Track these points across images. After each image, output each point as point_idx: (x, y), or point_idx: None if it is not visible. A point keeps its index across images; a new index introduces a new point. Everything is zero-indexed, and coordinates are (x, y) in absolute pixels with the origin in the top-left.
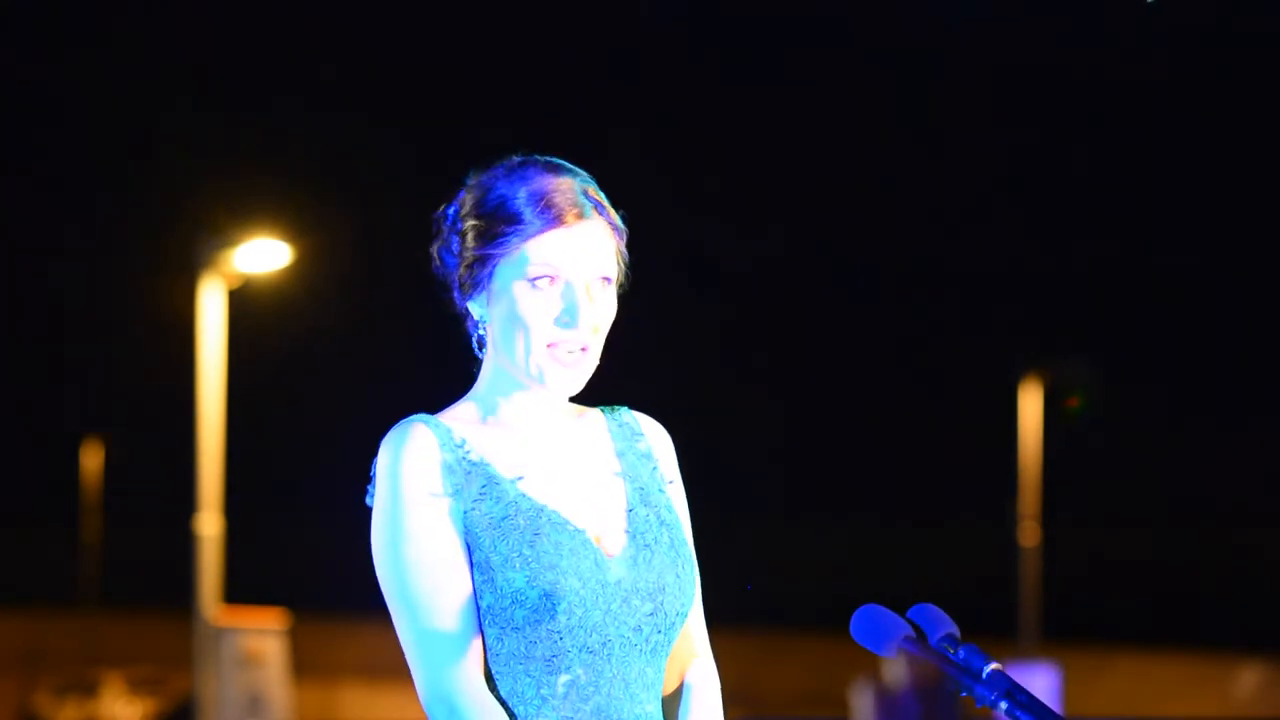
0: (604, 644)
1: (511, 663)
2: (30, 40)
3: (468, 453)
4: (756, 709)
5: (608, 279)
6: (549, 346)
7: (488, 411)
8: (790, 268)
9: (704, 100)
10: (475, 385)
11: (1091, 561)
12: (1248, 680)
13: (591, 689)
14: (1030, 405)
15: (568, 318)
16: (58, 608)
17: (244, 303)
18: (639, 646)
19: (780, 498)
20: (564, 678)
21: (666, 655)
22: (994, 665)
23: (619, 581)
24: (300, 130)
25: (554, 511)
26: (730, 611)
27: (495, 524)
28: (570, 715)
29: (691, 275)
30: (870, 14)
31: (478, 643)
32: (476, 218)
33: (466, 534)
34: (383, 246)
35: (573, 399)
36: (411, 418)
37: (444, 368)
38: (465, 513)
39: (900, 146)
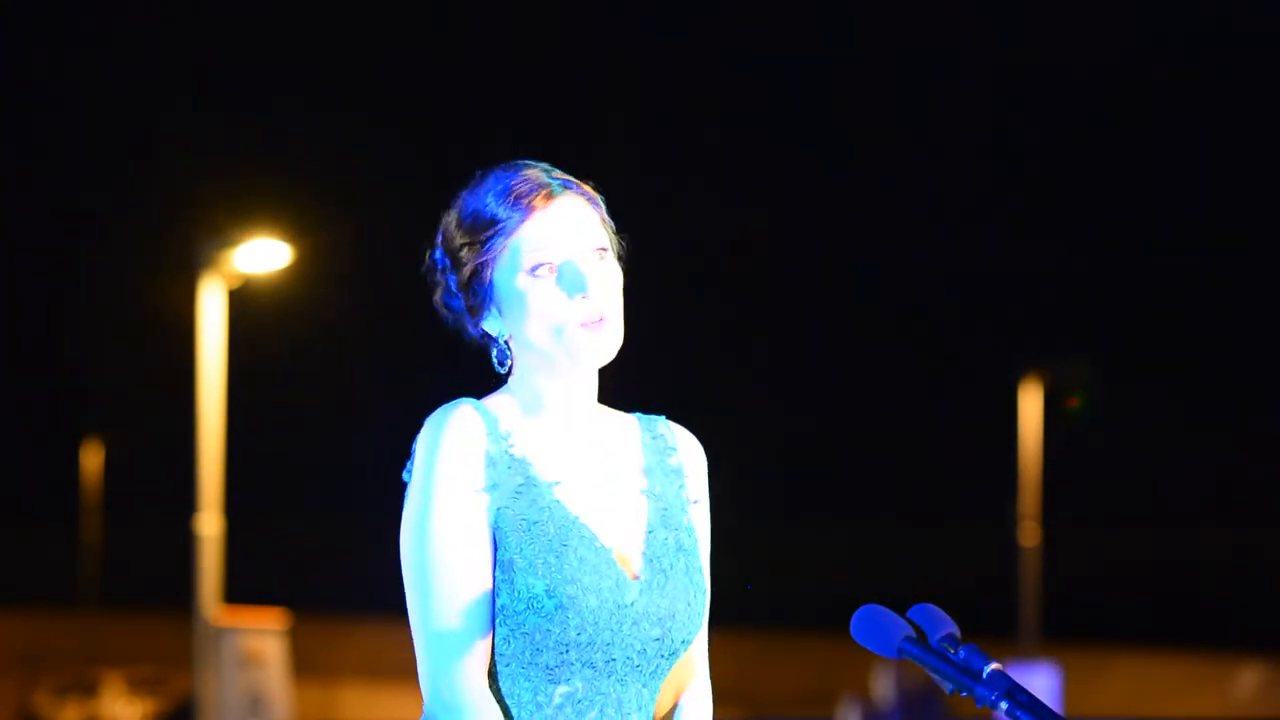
0: (607, 662)
1: (514, 665)
2: (30, 40)
3: (511, 446)
4: (756, 709)
5: (602, 249)
6: (577, 324)
7: (527, 406)
8: (790, 266)
9: (697, 97)
10: (509, 383)
11: (1091, 561)
12: (1248, 680)
13: (586, 704)
14: (1030, 405)
15: (579, 289)
16: (58, 608)
17: (244, 303)
18: (641, 668)
19: (780, 498)
20: (562, 689)
21: (665, 675)
22: (994, 665)
23: (633, 604)
24: (300, 130)
25: (585, 525)
26: (730, 611)
27: (526, 526)
28: None
29: (690, 273)
30: (870, 14)
31: (487, 641)
32: (458, 241)
33: (495, 530)
34: (383, 246)
35: (609, 403)
36: (459, 400)
37: (444, 367)
38: (499, 509)
39: (900, 146)
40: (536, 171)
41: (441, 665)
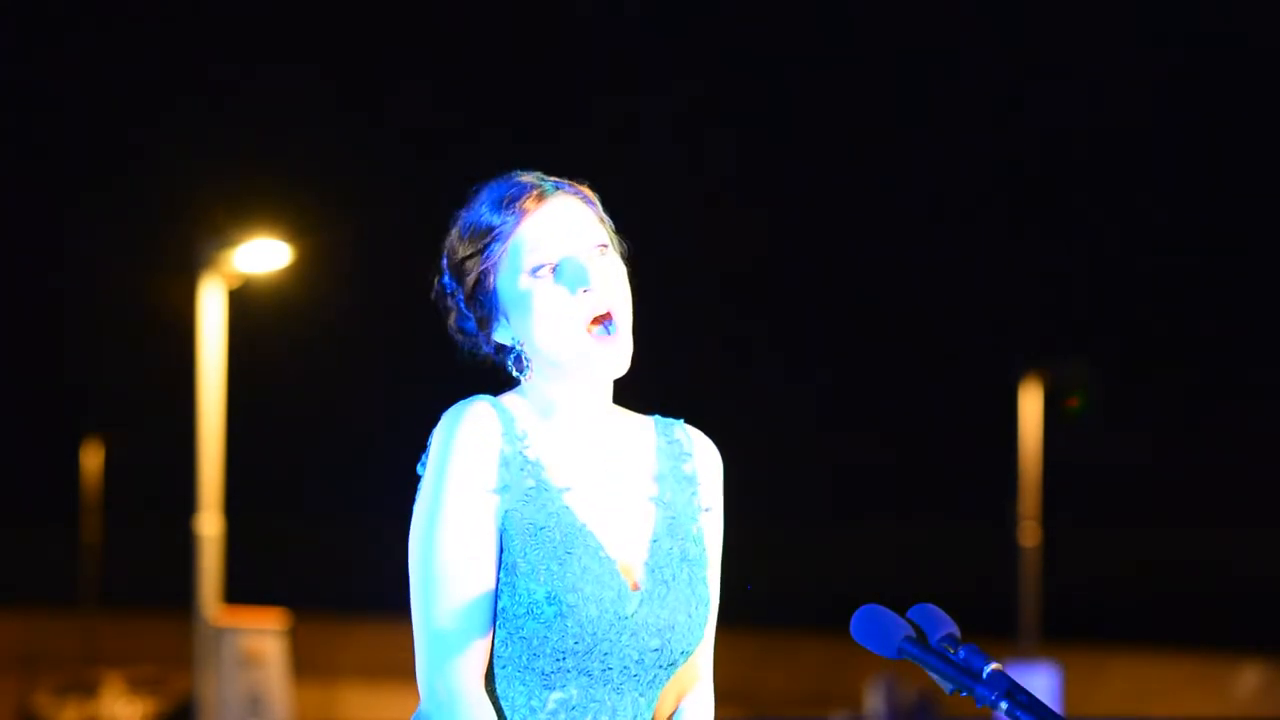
0: (604, 671)
1: (510, 667)
2: (31, 40)
3: (526, 447)
4: (756, 709)
5: (602, 245)
6: (584, 325)
7: (540, 409)
8: (790, 266)
9: (697, 97)
10: (522, 384)
11: (1091, 561)
12: (1248, 680)
13: (580, 711)
14: (1030, 405)
15: (581, 283)
16: (58, 608)
17: (244, 303)
18: (638, 677)
19: (780, 498)
20: (557, 695)
21: (664, 684)
22: (994, 665)
23: (633, 615)
24: (300, 130)
25: (591, 534)
26: (730, 611)
27: (533, 531)
28: None
29: (690, 274)
30: (870, 13)
31: (485, 643)
32: (460, 255)
33: (502, 532)
34: (383, 246)
35: (624, 402)
36: (477, 397)
37: (444, 368)
38: (507, 511)
39: (901, 146)
40: (528, 177)
41: (438, 662)
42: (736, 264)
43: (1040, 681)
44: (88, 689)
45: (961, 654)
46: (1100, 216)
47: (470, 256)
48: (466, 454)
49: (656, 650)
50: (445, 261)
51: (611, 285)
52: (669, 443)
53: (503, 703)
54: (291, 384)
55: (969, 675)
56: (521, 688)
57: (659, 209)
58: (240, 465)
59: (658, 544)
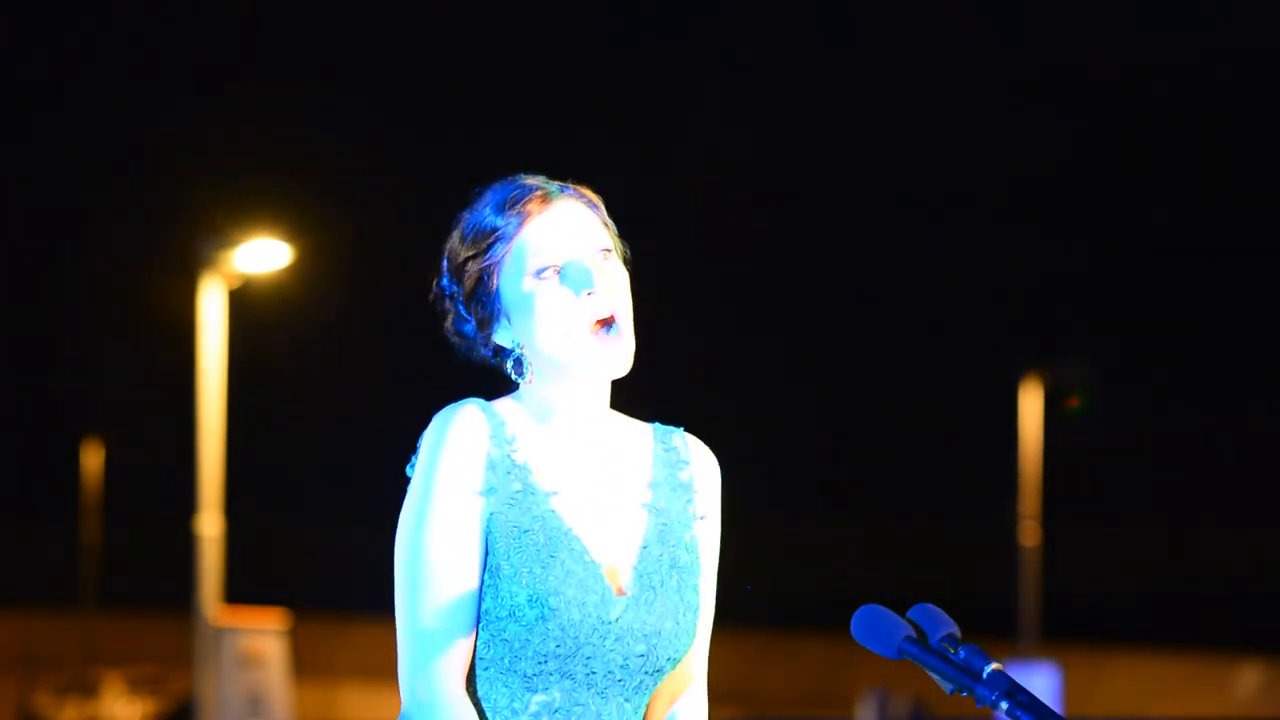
0: (588, 675)
1: (493, 669)
2: (31, 40)
3: (514, 451)
4: (756, 709)
5: (606, 249)
6: (587, 328)
7: (536, 413)
8: (790, 267)
9: (696, 96)
10: (521, 387)
11: (1091, 561)
12: (1248, 680)
13: (564, 714)
14: (1030, 405)
15: (585, 285)
16: (57, 608)
17: (244, 303)
18: (623, 682)
19: (780, 498)
20: (539, 697)
21: (651, 691)
22: (994, 665)
23: (618, 620)
24: (300, 130)
25: (577, 538)
26: (730, 611)
27: (517, 534)
28: None
29: (688, 272)
30: (870, 12)
31: (468, 644)
32: (461, 257)
33: (488, 535)
34: (383, 246)
35: (625, 407)
36: (468, 400)
37: (444, 368)
38: (492, 513)
39: (901, 145)
40: (533, 179)
41: (420, 664)
42: (735, 262)
43: (1040, 681)
44: (88, 689)
45: (962, 654)
46: (1100, 216)
47: (473, 257)
48: (453, 456)
49: (642, 656)
50: (445, 263)
51: (615, 289)
52: (666, 450)
53: (485, 704)
54: (291, 384)
55: (969, 675)
56: (504, 689)
57: (660, 209)
58: (240, 465)
59: (647, 550)
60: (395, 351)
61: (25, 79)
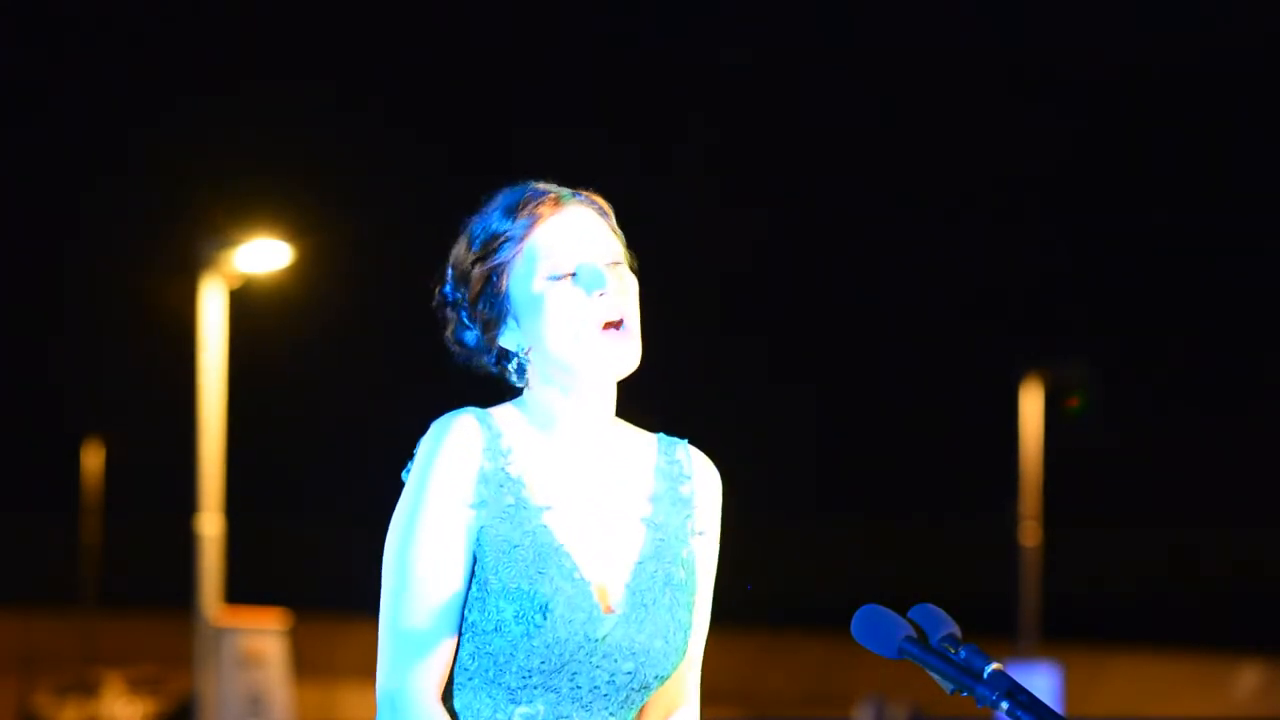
0: (573, 690)
1: (478, 680)
2: (31, 39)
3: (509, 464)
4: (756, 709)
5: (616, 258)
6: (597, 328)
7: (538, 421)
8: (790, 266)
9: (696, 96)
10: (524, 395)
11: (1091, 561)
12: (1248, 680)
13: None
14: (1030, 405)
15: (597, 285)
16: (58, 608)
17: (244, 303)
18: (610, 697)
19: (780, 498)
20: (523, 709)
21: (639, 706)
22: (995, 665)
23: (605, 638)
24: (300, 130)
25: (567, 554)
26: (730, 611)
27: (507, 549)
28: None
29: (690, 273)
30: (870, 11)
31: (446, 654)
32: (469, 261)
33: (478, 547)
34: (383, 247)
35: (629, 419)
36: (466, 409)
37: (444, 368)
38: (483, 527)
39: (901, 144)
40: (542, 185)
41: (396, 670)
42: (735, 262)
43: (1040, 681)
44: (88, 689)
45: (962, 654)
46: (1100, 216)
47: (481, 259)
48: (445, 468)
49: (630, 673)
50: (450, 270)
51: (625, 294)
52: (669, 463)
53: (468, 714)
54: (291, 384)
55: (970, 675)
56: (488, 700)
57: (659, 209)
58: (240, 465)
59: (642, 566)
60: (395, 352)
61: (25, 79)
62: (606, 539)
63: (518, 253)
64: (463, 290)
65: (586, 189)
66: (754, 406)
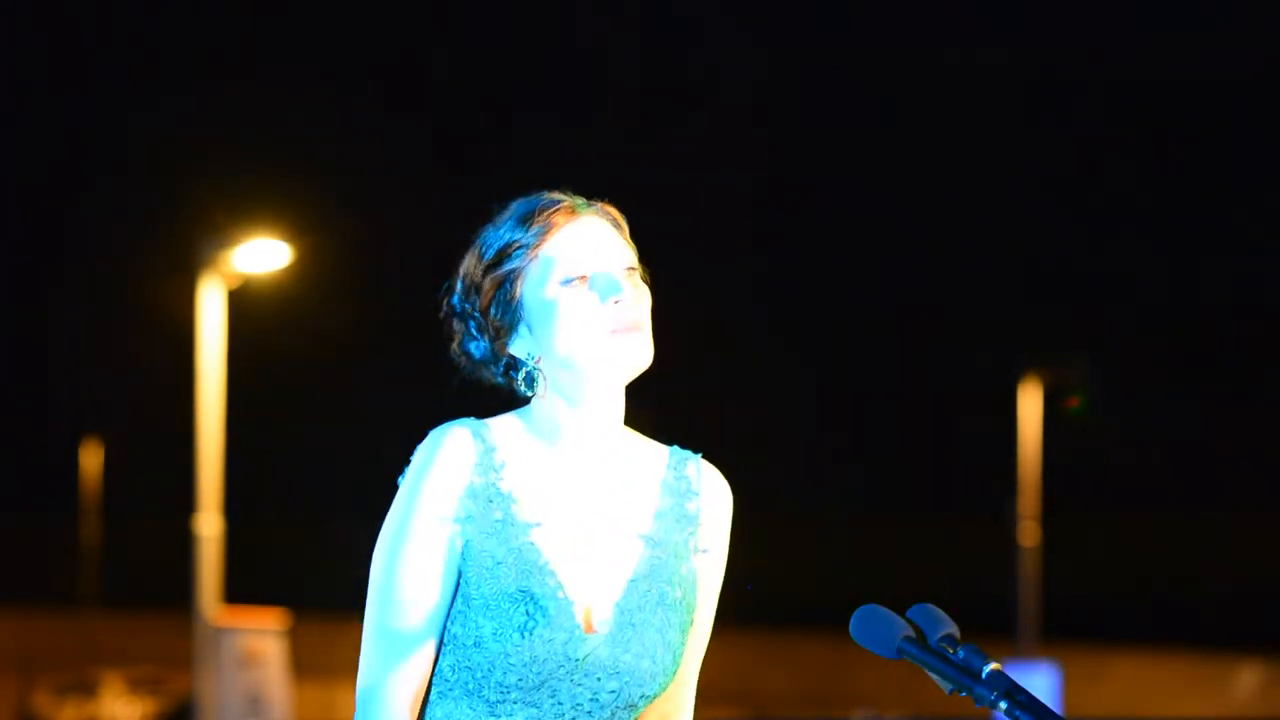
0: (554, 706)
1: (459, 691)
2: (31, 39)
3: (500, 479)
4: (756, 709)
5: (631, 268)
6: (609, 332)
7: (543, 433)
8: (790, 265)
9: (695, 94)
10: (531, 404)
11: (1091, 561)
12: (1248, 680)
13: None
14: (1030, 405)
15: (613, 292)
16: (58, 608)
17: (244, 303)
18: (594, 715)
19: (779, 497)
20: None
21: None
22: (993, 665)
23: (587, 657)
24: (300, 130)
25: (552, 572)
26: (730, 611)
27: (491, 565)
28: None
29: (690, 273)
30: (870, 9)
31: (424, 664)
32: (481, 270)
33: (463, 561)
34: (383, 246)
35: (641, 430)
36: (462, 421)
37: (443, 368)
38: (467, 542)
39: (901, 144)
40: (556, 193)
41: (371, 676)
42: (734, 262)
43: (1040, 681)
44: (87, 689)
45: (961, 654)
46: (1101, 216)
47: (494, 265)
48: (434, 481)
49: (614, 692)
50: (460, 280)
51: (640, 304)
52: (677, 479)
53: None
54: (291, 384)
55: (968, 675)
56: (469, 711)
57: (659, 208)
58: (240, 465)
59: (635, 584)
60: (395, 351)
61: (25, 78)
62: (598, 556)
63: (532, 259)
64: (473, 300)
65: (601, 200)
66: (754, 406)
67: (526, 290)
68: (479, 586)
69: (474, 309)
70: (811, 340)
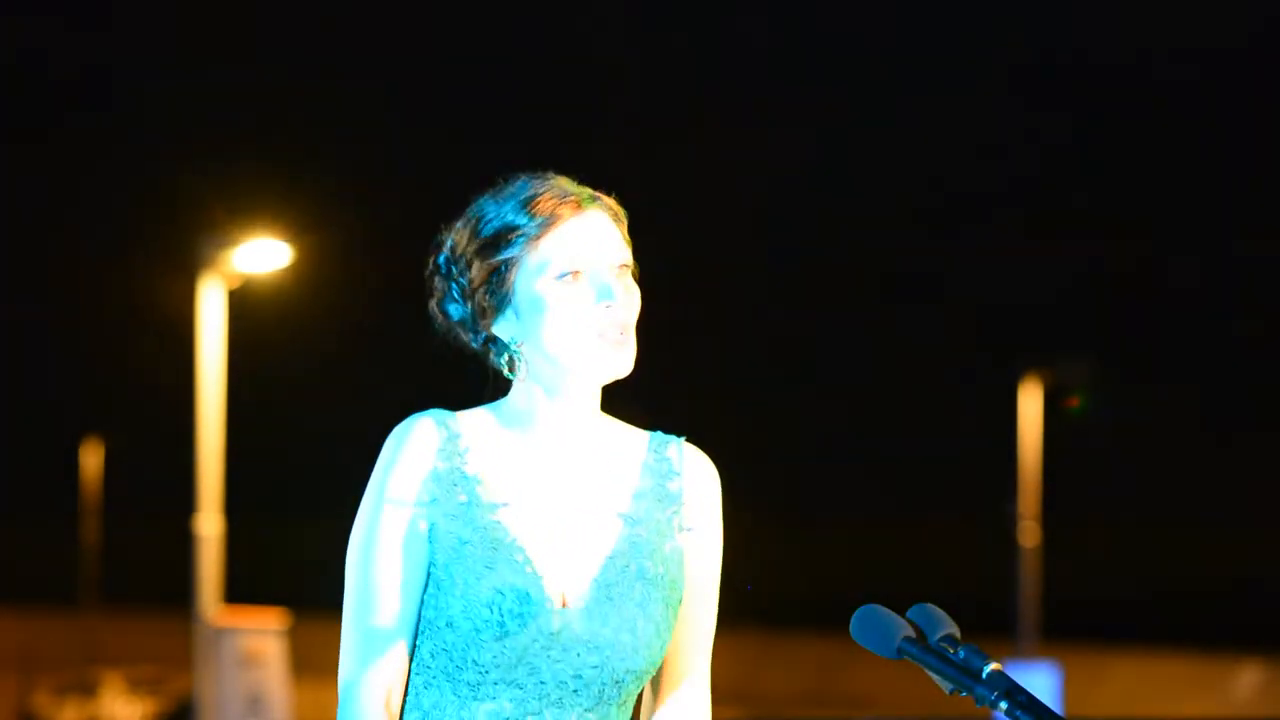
0: (537, 685)
1: (440, 678)
2: (31, 39)
3: (464, 464)
4: (756, 709)
5: (625, 265)
6: (596, 334)
7: (514, 420)
8: (790, 264)
9: (695, 93)
10: (509, 394)
11: (1091, 561)
12: (1248, 680)
13: None
14: (1030, 405)
15: (606, 296)
16: (58, 608)
17: (244, 303)
18: (579, 693)
19: (779, 497)
20: (487, 706)
21: (624, 703)
22: (994, 665)
23: (561, 631)
24: (300, 129)
25: (520, 549)
26: (730, 611)
27: (458, 545)
28: None
29: (689, 273)
30: (869, 8)
31: (401, 653)
32: (478, 247)
33: (432, 546)
34: (383, 246)
35: (623, 417)
36: (426, 412)
37: (444, 367)
38: (433, 525)
39: (901, 143)
40: (564, 181)
41: (349, 668)
42: (734, 262)
43: (1040, 681)
44: (87, 689)
45: (961, 654)
46: (1101, 216)
47: (492, 248)
48: (395, 471)
49: (596, 667)
50: (451, 243)
51: (631, 308)
52: (658, 460)
53: (435, 713)
54: (291, 384)
55: (968, 675)
56: (453, 698)
57: (659, 209)
58: (240, 465)
59: (613, 560)
60: (395, 351)
61: (25, 77)
62: (572, 534)
63: (532, 250)
64: (461, 269)
65: (606, 193)
66: (752, 405)
67: (520, 279)
68: (448, 568)
69: (460, 277)
70: (812, 340)
